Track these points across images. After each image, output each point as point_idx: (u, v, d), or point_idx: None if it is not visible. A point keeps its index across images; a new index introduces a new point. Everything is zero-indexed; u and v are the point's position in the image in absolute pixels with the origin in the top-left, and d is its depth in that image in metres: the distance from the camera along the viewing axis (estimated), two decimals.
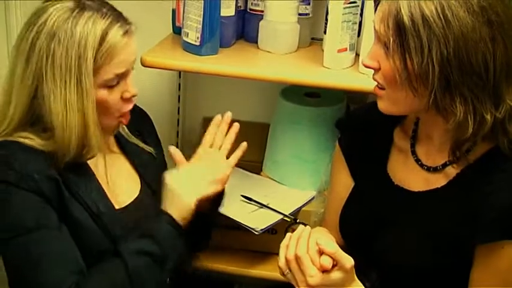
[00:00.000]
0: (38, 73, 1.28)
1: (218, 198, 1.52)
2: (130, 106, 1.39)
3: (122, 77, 1.34)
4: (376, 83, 1.26)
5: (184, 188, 1.39)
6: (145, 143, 1.55)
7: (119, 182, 1.45)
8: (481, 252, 1.22)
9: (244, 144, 1.51)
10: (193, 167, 1.46)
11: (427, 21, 1.12)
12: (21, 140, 1.31)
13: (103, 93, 1.32)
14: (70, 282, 1.26)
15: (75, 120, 1.28)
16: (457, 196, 1.25)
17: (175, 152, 1.47)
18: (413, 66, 1.15)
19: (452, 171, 1.27)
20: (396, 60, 1.17)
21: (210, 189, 1.43)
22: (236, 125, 1.52)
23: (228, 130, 1.52)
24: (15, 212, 1.27)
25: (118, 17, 1.32)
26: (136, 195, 1.47)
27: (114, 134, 1.50)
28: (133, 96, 1.38)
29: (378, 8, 1.21)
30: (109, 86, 1.32)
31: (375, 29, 1.21)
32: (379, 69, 1.22)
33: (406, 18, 1.13)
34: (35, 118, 1.32)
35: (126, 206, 1.44)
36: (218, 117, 1.54)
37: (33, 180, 1.27)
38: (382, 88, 1.24)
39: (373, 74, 1.26)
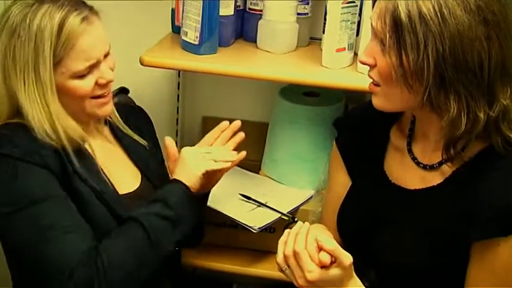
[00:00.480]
0: (4, 70, 1.32)
1: (204, 195, 1.56)
2: (104, 90, 1.40)
3: (93, 67, 1.35)
4: (371, 80, 1.27)
5: (194, 159, 1.43)
6: (143, 138, 1.56)
7: (118, 173, 1.46)
8: (477, 250, 1.22)
9: (243, 153, 1.52)
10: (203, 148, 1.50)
11: (424, 18, 1.13)
12: (22, 121, 1.33)
13: (75, 83, 1.34)
14: (87, 247, 1.27)
15: (41, 113, 1.31)
16: (453, 194, 1.26)
17: (170, 144, 1.49)
18: (409, 63, 1.16)
19: (448, 169, 1.28)
20: (392, 57, 1.17)
21: (214, 166, 1.45)
22: (241, 135, 1.53)
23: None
24: (22, 185, 1.29)
25: (76, 5, 1.34)
26: (136, 188, 1.48)
27: (104, 122, 1.51)
28: (109, 81, 1.39)
29: (376, 4, 1.22)
30: (80, 76, 1.34)
31: (372, 25, 1.22)
32: (375, 65, 1.23)
33: (403, 15, 1.14)
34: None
35: (127, 193, 1.45)
36: (225, 123, 1.54)
37: (39, 154, 1.29)
38: (377, 85, 1.25)
39: (369, 71, 1.26)
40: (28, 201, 1.28)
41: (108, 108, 1.42)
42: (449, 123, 1.18)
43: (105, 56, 1.38)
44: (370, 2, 1.56)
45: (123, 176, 1.48)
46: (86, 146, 1.38)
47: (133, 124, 1.55)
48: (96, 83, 1.37)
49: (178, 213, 1.36)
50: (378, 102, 1.27)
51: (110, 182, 1.41)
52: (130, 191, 1.47)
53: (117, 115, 1.51)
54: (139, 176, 1.52)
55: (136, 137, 1.54)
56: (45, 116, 1.31)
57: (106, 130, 1.51)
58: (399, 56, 1.16)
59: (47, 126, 1.31)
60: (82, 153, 1.37)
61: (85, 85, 1.35)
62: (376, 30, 1.20)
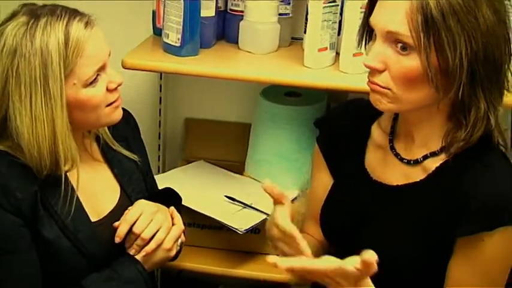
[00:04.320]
0: (3, 94, 1.27)
1: None
2: (116, 95, 1.37)
3: (100, 70, 1.33)
4: (373, 83, 1.22)
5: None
6: (131, 151, 1.52)
7: (99, 191, 1.43)
8: (461, 245, 1.22)
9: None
10: None
11: (455, 13, 1.12)
12: (7, 149, 1.30)
13: (88, 92, 1.31)
14: None
15: (44, 134, 1.26)
16: (436, 189, 1.26)
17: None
18: (439, 62, 1.14)
19: (431, 165, 1.27)
20: (423, 57, 1.14)
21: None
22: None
23: None
24: None
25: (74, 12, 1.31)
26: (114, 205, 1.45)
27: (94, 139, 1.47)
28: (119, 85, 1.37)
29: (392, 7, 1.17)
30: (91, 82, 1.31)
31: (383, 30, 1.18)
32: (383, 70, 1.20)
33: (435, 12, 1.12)
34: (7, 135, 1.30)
35: (104, 217, 1.42)
36: None
37: (15, 198, 1.26)
38: (387, 88, 1.21)
39: (372, 76, 1.22)
40: None
41: (120, 112, 1.39)
42: (475, 121, 1.18)
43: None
44: (352, 2, 1.57)
45: (102, 194, 1.44)
46: (69, 173, 1.34)
47: (120, 136, 1.50)
48: (107, 89, 1.34)
49: None
50: (386, 106, 1.23)
51: (85, 213, 1.37)
52: (107, 211, 1.43)
53: (107, 131, 1.47)
54: (119, 192, 1.47)
55: (126, 152, 1.50)
56: (48, 139, 1.27)
57: (94, 146, 1.47)
58: (429, 55, 1.14)
59: (45, 151, 1.27)
60: (60, 182, 1.32)
61: (98, 92, 1.32)
62: (397, 34, 1.16)
